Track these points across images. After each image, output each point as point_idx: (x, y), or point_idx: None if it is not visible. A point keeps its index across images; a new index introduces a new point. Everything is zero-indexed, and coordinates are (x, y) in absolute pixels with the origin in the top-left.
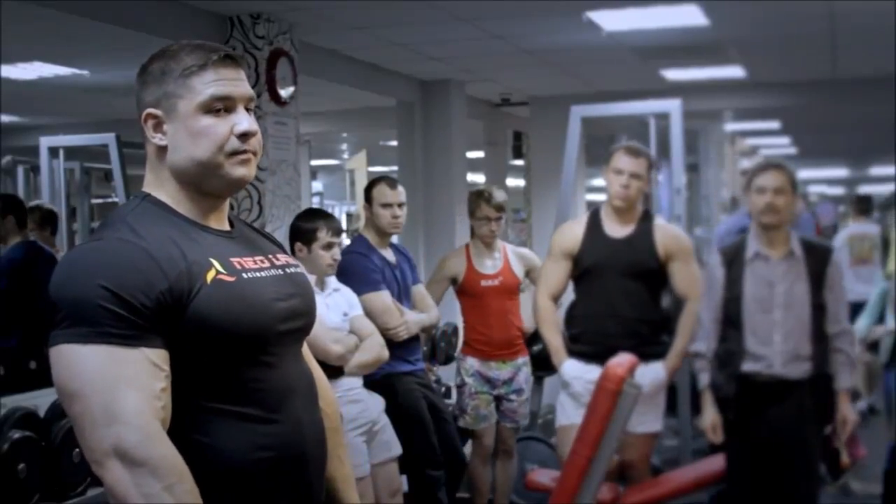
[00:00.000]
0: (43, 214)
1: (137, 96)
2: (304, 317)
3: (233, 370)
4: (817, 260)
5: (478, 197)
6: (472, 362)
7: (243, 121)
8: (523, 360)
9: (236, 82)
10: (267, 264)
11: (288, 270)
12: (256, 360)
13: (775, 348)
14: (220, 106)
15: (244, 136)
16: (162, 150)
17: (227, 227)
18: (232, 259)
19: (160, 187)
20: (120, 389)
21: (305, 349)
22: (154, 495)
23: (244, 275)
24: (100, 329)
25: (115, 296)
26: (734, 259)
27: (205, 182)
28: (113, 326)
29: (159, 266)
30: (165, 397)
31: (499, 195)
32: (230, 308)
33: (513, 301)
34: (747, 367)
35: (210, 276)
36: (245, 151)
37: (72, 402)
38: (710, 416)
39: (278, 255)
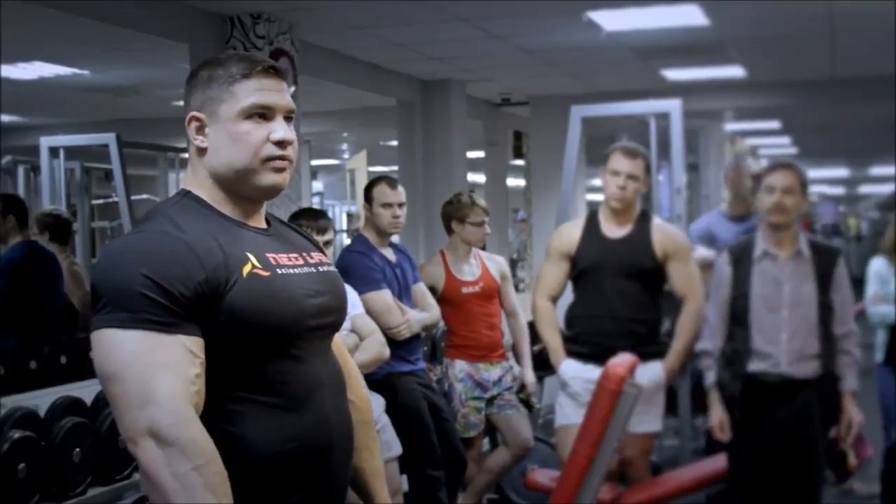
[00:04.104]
0: (44, 221)
1: (185, 100)
2: (334, 313)
3: (262, 362)
4: (825, 261)
5: (470, 203)
6: (461, 365)
7: (279, 129)
8: (508, 364)
9: (278, 93)
10: (301, 261)
11: (321, 269)
12: (285, 353)
13: (782, 347)
14: (261, 112)
15: (280, 144)
16: (202, 151)
17: (263, 225)
18: (267, 254)
19: (199, 186)
20: (156, 373)
21: (338, 344)
22: (183, 474)
23: (278, 270)
24: (140, 315)
25: (156, 284)
26: (741, 257)
27: (240, 187)
28: (152, 313)
29: (198, 257)
30: (199, 382)
31: (482, 199)
32: (263, 301)
33: (494, 305)
34: (754, 366)
35: (246, 269)
36: (281, 158)
37: (110, 384)
38: (717, 415)
39: (312, 254)
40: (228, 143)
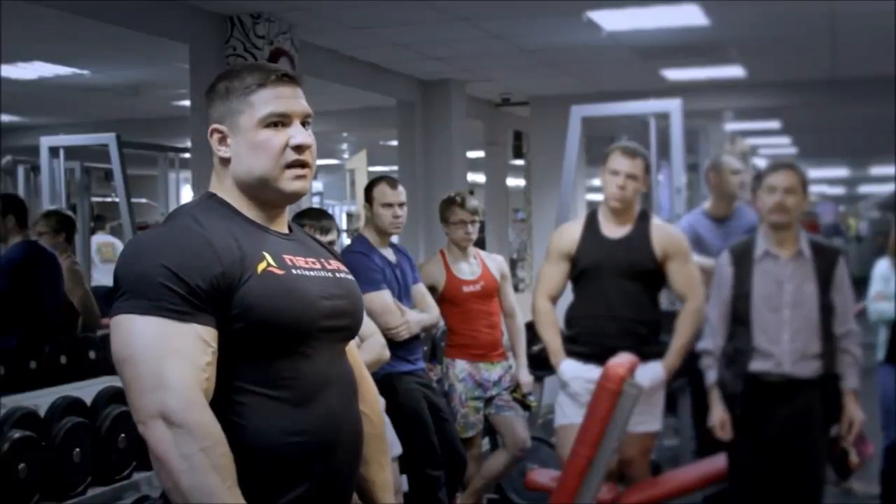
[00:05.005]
0: (60, 220)
1: (205, 113)
2: (348, 317)
3: (272, 357)
4: (826, 260)
5: (450, 203)
6: (462, 365)
7: (298, 134)
8: (508, 363)
9: (293, 100)
10: (318, 266)
11: (338, 275)
12: (295, 351)
13: (784, 347)
14: (278, 121)
15: (299, 149)
16: (226, 160)
17: (285, 231)
18: (284, 256)
19: (225, 192)
20: (169, 359)
21: (355, 355)
22: (191, 455)
23: (293, 270)
24: (157, 303)
25: (175, 275)
26: (743, 257)
27: (263, 192)
28: (169, 302)
29: (216, 253)
30: (210, 371)
31: (472, 199)
32: (276, 298)
33: (494, 304)
34: (756, 365)
35: (261, 267)
36: (301, 165)
37: (124, 367)
38: (718, 414)
39: (330, 261)
40: (250, 152)
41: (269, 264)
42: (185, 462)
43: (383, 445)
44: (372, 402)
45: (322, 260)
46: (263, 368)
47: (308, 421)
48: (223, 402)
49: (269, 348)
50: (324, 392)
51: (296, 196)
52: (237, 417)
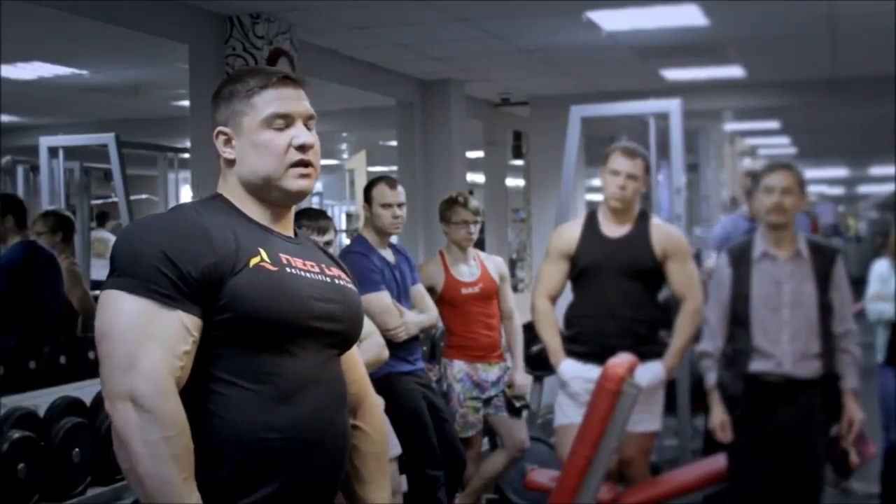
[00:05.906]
0: (57, 220)
1: (212, 116)
2: (342, 323)
3: (257, 351)
4: (824, 260)
5: (452, 202)
6: (459, 365)
7: (301, 134)
8: (506, 364)
9: (295, 101)
10: (316, 269)
11: (337, 282)
12: (282, 348)
13: (784, 347)
14: (281, 123)
15: (302, 148)
16: (231, 162)
17: (290, 234)
18: (281, 254)
19: (230, 193)
20: (146, 342)
21: (362, 372)
22: (154, 442)
23: (288, 269)
24: (146, 284)
25: (168, 259)
26: (741, 258)
27: (267, 193)
28: (158, 285)
29: (212, 242)
30: (187, 359)
31: (473, 199)
32: (264, 292)
33: (493, 306)
34: (756, 366)
35: (253, 261)
36: (304, 164)
37: (102, 342)
38: (718, 415)
39: (332, 268)
40: (253, 153)
41: (262, 259)
42: (147, 448)
43: (384, 466)
44: (375, 420)
45: (323, 265)
46: (247, 361)
47: (289, 418)
48: (203, 391)
49: (255, 341)
50: (309, 393)
51: (300, 195)
52: (216, 407)
